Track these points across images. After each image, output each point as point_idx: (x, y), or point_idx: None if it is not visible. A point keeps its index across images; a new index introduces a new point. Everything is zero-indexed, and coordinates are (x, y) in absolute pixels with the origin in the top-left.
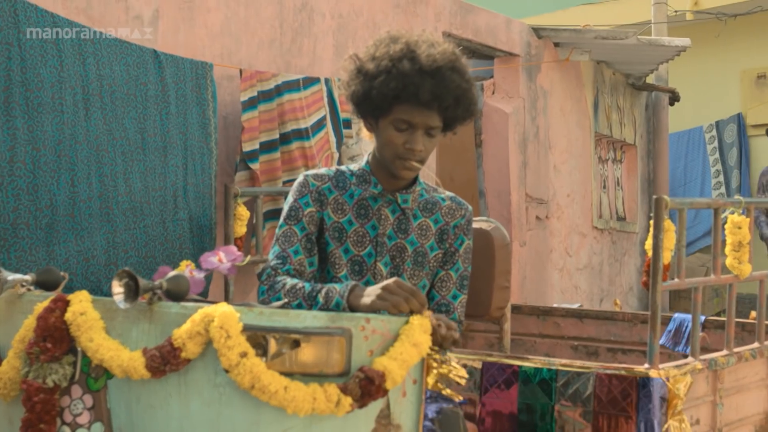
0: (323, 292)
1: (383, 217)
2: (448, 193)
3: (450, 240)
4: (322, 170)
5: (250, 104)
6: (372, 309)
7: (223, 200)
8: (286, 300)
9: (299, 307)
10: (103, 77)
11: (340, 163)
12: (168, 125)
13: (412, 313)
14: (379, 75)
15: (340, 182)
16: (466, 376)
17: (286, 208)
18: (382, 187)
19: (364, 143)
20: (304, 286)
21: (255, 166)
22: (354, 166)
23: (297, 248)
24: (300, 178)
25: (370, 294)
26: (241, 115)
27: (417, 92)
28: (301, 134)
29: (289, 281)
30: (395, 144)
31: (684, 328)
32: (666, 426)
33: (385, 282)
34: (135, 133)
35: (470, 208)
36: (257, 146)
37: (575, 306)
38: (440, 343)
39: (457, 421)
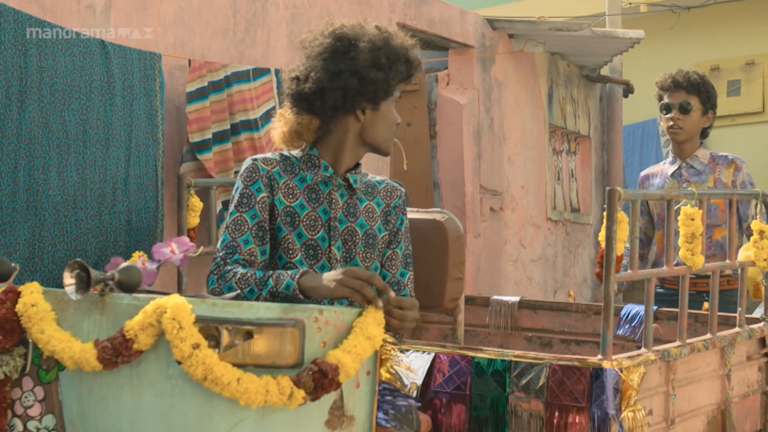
0: (274, 275)
1: (333, 201)
2: (380, 177)
3: (392, 220)
4: (269, 154)
5: (200, 95)
6: (332, 295)
7: (175, 191)
8: (238, 290)
9: (251, 293)
10: (44, 69)
11: None
12: (112, 117)
13: (368, 303)
14: (380, 59)
15: (287, 166)
16: (416, 374)
17: (236, 195)
18: (333, 170)
19: None
20: (255, 273)
21: (207, 156)
22: (295, 152)
23: (247, 237)
24: (248, 163)
25: (331, 279)
26: (186, 106)
27: (410, 69)
28: (250, 125)
29: (240, 270)
30: (395, 120)
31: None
32: (621, 417)
33: (343, 269)
34: (76, 125)
35: (404, 189)
36: (209, 136)
37: (515, 299)
38: (396, 329)
39: (410, 413)
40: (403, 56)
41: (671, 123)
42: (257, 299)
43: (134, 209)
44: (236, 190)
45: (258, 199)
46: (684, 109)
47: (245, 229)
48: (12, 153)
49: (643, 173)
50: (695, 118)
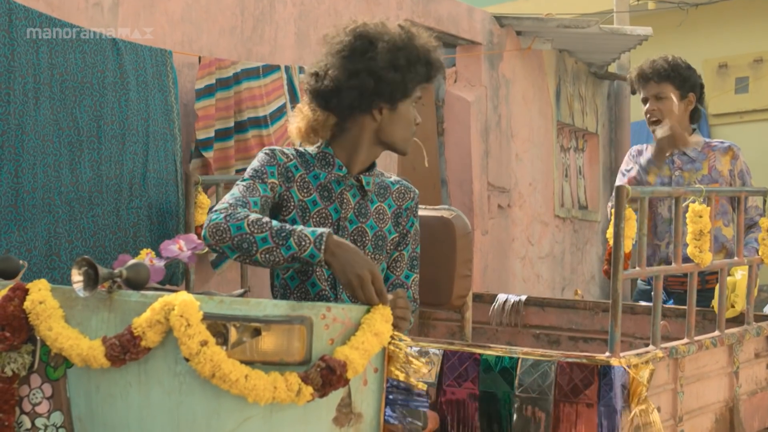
0: (295, 236)
1: (345, 201)
2: (395, 177)
3: (403, 222)
4: (286, 149)
5: (207, 92)
6: (339, 281)
7: (183, 188)
8: (248, 231)
9: (263, 241)
10: (56, 66)
11: None
12: (127, 112)
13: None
14: (410, 57)
15: (303, 162)
16: (424, 371)
17: (250, 169)
18: (347, 170)
19: None
20: (270, 222)
21: (209, 154)
22: (311, 149)
23: (257, 201)
24: (266, 150)
25: (344, 268)
26: (195, 103)
27: (431, 70)
28: (259, 122)
29: (253, 215)
30: (413, 120)
31: None
32: (632, 414)
33: (363, 266)
34: (89, 121)
35: (417, 191)
36: (212, 134)
37: (522, 297)
38: (396, 324)
39: (417, 410)
40: (424, 58)
41: (648, 115)
42: (268, 250)
43: (154, 204)
44: (251, 167)
45: (270, 180)
46: (659, 100)
47: (256, 195)
48: (31, 150)
49: (634, 148)
50: (672, 106)
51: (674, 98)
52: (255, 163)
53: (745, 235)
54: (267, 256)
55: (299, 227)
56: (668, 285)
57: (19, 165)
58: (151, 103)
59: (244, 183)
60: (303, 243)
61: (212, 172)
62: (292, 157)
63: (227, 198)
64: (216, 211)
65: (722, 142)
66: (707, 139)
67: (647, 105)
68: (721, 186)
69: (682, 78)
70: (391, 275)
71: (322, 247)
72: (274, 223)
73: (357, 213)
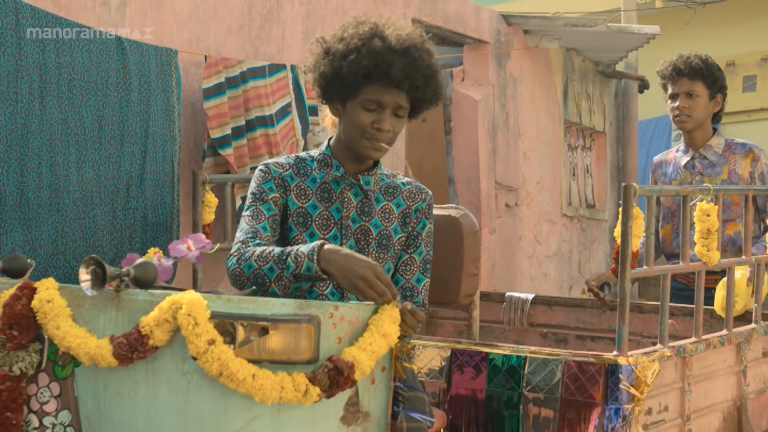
0: (292, 255)
1: (346, 200)
2: (408, 179)
3: (412, 224)
4: (281, 159)
5: (217, 90)
6: (342, 286)
7: (190, 187)
8: (256, 267)
9: (270, 271)
10: (62, 65)
11: (306, 149)
12: (127, 113)
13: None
14: (349, 54)
15: (300, 169)
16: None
17: (249, 195)
18: (345, 170)
19: (328, 133)
20: (273, 250)
21: (228, 152)
22: (315, 152)
23: (265, 225)
24: (261, 167)
25: (346, 274)
26: (203, 102)
27: (389, 71)
28: (266, 121)
29: (258, 249)
30: (363, 124)
31: None
32: (628, 411)
33: (364, 267)
34: (92, 121)
35: (430, 192)
36: (229, 132)
37: (530, 296)
38: (405, 331)
39: (423, 408)
40: (372, 58)
41: (677, 112)
42: (278, 277)
43: (150, 205)
44: (250, 190)
45: (270, 197)
46: (690, 97)
47: (263, 219)
48: (36, 149)
49: (655, 159)
50: (702, 104)
51: (704, 97)
52: (252, 185)
53: (763, 233)
54: (278, 283)
55: (297, 246)
56: (689, 282)
57: (25, 164)
58: (153, 104)
59: (248, 212)
60: (299, 259)
61: (234, 170)
62: (287, 166)
63: (238, 235)
64: (231, 255)
65: (744, 144)
66: (728, 139)
67: (676, 102)
68: None
69: (713, 78)
70: (400, 278)
71: (315, 257)
72: (276, 250)
73: (360, 211)
